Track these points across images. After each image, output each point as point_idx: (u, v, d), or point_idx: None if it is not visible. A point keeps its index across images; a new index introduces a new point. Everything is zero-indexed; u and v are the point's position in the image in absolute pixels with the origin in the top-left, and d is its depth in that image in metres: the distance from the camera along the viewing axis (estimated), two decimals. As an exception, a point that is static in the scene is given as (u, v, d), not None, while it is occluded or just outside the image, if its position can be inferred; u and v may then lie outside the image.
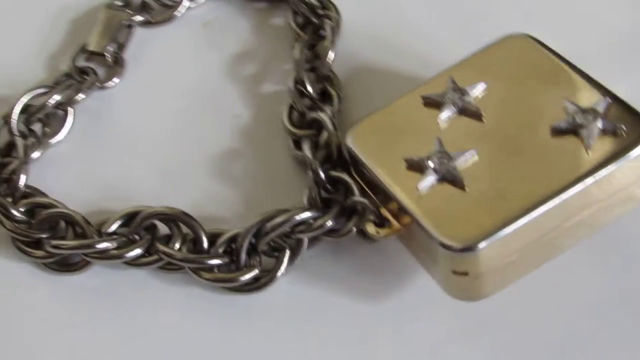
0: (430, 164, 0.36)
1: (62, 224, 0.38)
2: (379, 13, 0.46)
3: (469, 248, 0.33)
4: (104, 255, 0.37)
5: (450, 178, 0.36)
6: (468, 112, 0.38)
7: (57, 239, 0.38)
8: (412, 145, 0.37)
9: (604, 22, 0.46)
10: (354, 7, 0.46)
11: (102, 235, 0.38)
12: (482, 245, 0.33)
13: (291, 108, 0.42)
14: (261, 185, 0.41)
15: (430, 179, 0.36)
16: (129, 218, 0.38)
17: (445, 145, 0.37)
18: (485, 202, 0.35)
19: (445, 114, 0.38)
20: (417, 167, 0.36)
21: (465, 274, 0.34)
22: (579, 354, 0.36)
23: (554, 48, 0.39)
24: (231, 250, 0.38)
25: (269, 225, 0.37)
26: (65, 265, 0.38)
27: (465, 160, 0.36)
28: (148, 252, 0.38)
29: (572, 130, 0.36)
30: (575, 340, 0.36)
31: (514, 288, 0.36)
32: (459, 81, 0.39)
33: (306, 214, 0.37)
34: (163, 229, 0.38)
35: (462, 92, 0.38)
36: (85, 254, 0.37)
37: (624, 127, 0.35)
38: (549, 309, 0.37)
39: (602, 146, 0.35)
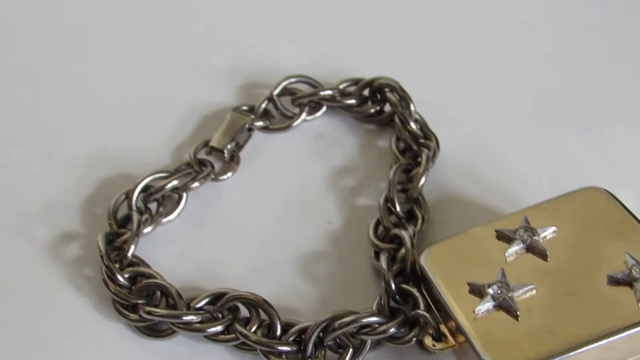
0: (490, 290, 0.39)
1: (158, 293, 0.43)
2: (475, 149, 0.51)
3: (511, 374, 0.36)
4: (188, 327, 0.42)
5: (506, 306, 0.39)
6: (535, 250, 0.41)
7: (151, 306, 0.43)
8: (478, 271, 0.40)
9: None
10: (454, 140, 0.51)
11: (190, 309, 0.42)
12: (523, 373, 0.36)
13: (378, 222, 0.47)
14: (339, 287, 0.45)
15: (487, 305, 0.39)
16: (216, 298, 0.43)
17: (508, 276, 0.40)
18: (534, 333, 0.37)
19: (514, 249, 0.41)
20: (478, 291, 0.39)
21: (506, 398, 0.37)
22: None
23: (628, 204, 0.42)
24: (300, 340, 0.42)
25: (337, 323, 0.41)
26: (154, 331, 0.43)
27: (524, 293, 0.39)
28: (227, 330, 0.42)
29: (628, 282, 0.38)
30: None
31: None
32: (532, 221, 0.42)
33: (373, 319, 0.41)
34: (244, 312, 0.43)
35: (533, 231, 0.41)
36: (172, 323, 0.42)
37: (679, 290, 0.38)
38: None
39: (654, 300, 0.38)
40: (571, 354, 0.36)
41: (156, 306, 0.43)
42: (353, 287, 0.45)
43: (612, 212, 0.42)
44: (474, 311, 0.39)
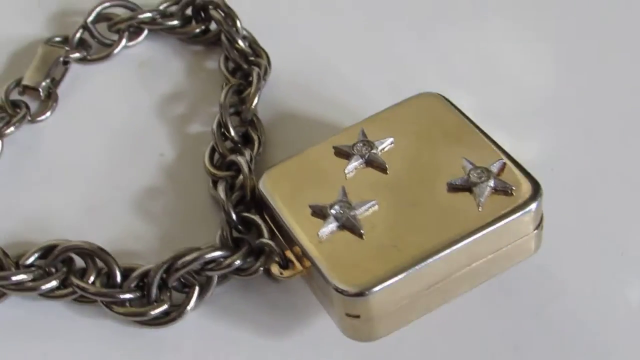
0: (332, 211, 0.38)
1: (-21, 254, 0.40)
2: (308, 63, 0.49)
3: (361, 293, 0.36)
4: (19, 287, 0.39)
5: (349, 226, 0.38)
6: (374, 164, 0.40)
7: (-28, 270, 0.39)
8: (319, 192, 0.39)
9: (521, 84, 0.48)
10: (285, 55, 0.49)
11: (19, 267, 0.39)
12: (372, 291, 0.36)
13: (213, 149, 0.44)
14: (178, 223, 0.43)
15: (330, 226, 0.38)
16: (47, 251, 0.40)
17: (349, 194, 0.39)
18: (379, 250, 0.37)
19: (352, 165, 0.40)
20: (320, 213, 0.38)
21: (357, 316, 0.36)
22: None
23: (463, 107, 0.42)
24: (143, 285, 0.39)
25: (180, 262, 0.39)
26: (-20, 296, 0.40)
27: (366, 210, 0.38)
28: (63, 284, 0.39)
29: (467, 187, 0.38)
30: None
31: (409, 328, 0.38)
32: (369, 134, 0.41)
33: (216, 253, 0.39)
34: (80, 262, 0.40)
35: (371, 145, 0.40)
36: (1, 286, 0.39)
37: (514, 188, 0.38)
38: (442, 349, 0.39)
39: (492, 204, 0.38)
40: (416, 267, 0.36)
41: (-21, 269, 0.39)
42: (193, 222, 0.43)
43: (447, 117, 0.41)
44: (317, 234, 0.38)
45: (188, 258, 0.39)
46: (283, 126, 0.46)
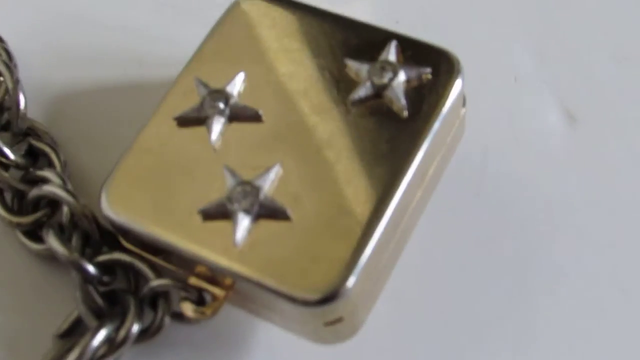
0: (235, 205, 0.27)
1: None
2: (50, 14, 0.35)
3: (336, 294, 0.26)
4: None
5: (268, 212, 0.27)
6: (241, 116, 0.29)
7: None
8: (193, 186, 0.28)
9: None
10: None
11: None
12: (350, 281, 0.26)
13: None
14: (6, 312, 0.29)
15: (243, 224, 0.27)
16: None
17: (235, 170, 0.28)
18: (324, 224, 0.27)
19: (215, 130, 0.29)
20: (217, 214, 0.27)
21: (340, 320, 0.27)
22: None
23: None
24: None
25: (62, 370, 0.26)
26: None
27: (273, 180, 0.28)
28: None
29: (375, 94, 0.29)
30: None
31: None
32: (209, 80, 0.29)
33: (103, 333, 0.27)
34: None
35: (222, 93, 0.29)
36: None
37: (429, 70, 0.29)
38: (427, 304, 0.31)
39: (415, 100, 0.29)
40: (382, 224, 0.26)
41: None
42: (25, 301, 0.30)
43: (287, 18, 0.31)
44: (232, 243, 0.27)
45: (72, 357, 0.26)
46: (64, 116, 0.33)
